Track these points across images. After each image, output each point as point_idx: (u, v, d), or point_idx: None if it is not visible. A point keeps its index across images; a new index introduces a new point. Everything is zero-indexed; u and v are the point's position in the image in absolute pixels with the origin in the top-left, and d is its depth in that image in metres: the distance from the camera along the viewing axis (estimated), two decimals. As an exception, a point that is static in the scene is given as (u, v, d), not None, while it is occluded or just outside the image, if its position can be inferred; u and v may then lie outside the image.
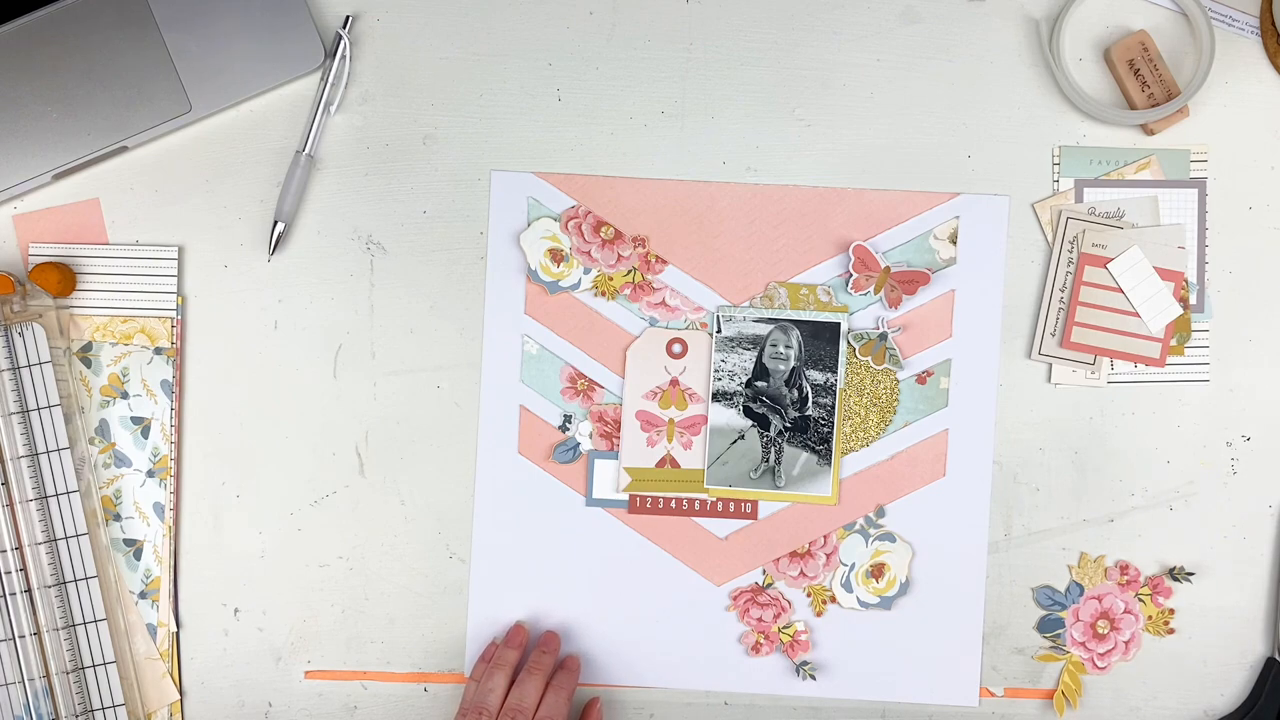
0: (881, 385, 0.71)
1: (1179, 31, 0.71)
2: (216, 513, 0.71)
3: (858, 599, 0.71)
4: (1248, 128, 0.71)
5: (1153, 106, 0.70)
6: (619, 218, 0.71)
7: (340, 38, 0.70)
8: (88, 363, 0.70)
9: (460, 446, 0.71)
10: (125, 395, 0.70)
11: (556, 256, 0.71)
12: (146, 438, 0.70)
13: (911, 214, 0.71)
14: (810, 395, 0.70)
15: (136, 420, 0.70)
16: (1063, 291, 0.71)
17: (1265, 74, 0.71)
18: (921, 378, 0.71)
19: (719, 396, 0.71)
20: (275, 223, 0.70)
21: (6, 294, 0.67)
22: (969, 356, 0.71)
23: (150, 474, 0.70)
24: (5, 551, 0.68)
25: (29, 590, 0.68)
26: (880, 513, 0.71)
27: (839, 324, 0.70)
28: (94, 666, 0.69)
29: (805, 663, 0.71)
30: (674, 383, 0.71)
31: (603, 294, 0.71)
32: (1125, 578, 0.71)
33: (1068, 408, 0.71)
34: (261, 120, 0.71)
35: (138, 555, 0.70)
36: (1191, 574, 0.71)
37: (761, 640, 0.71)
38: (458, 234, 0.71)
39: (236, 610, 0.71)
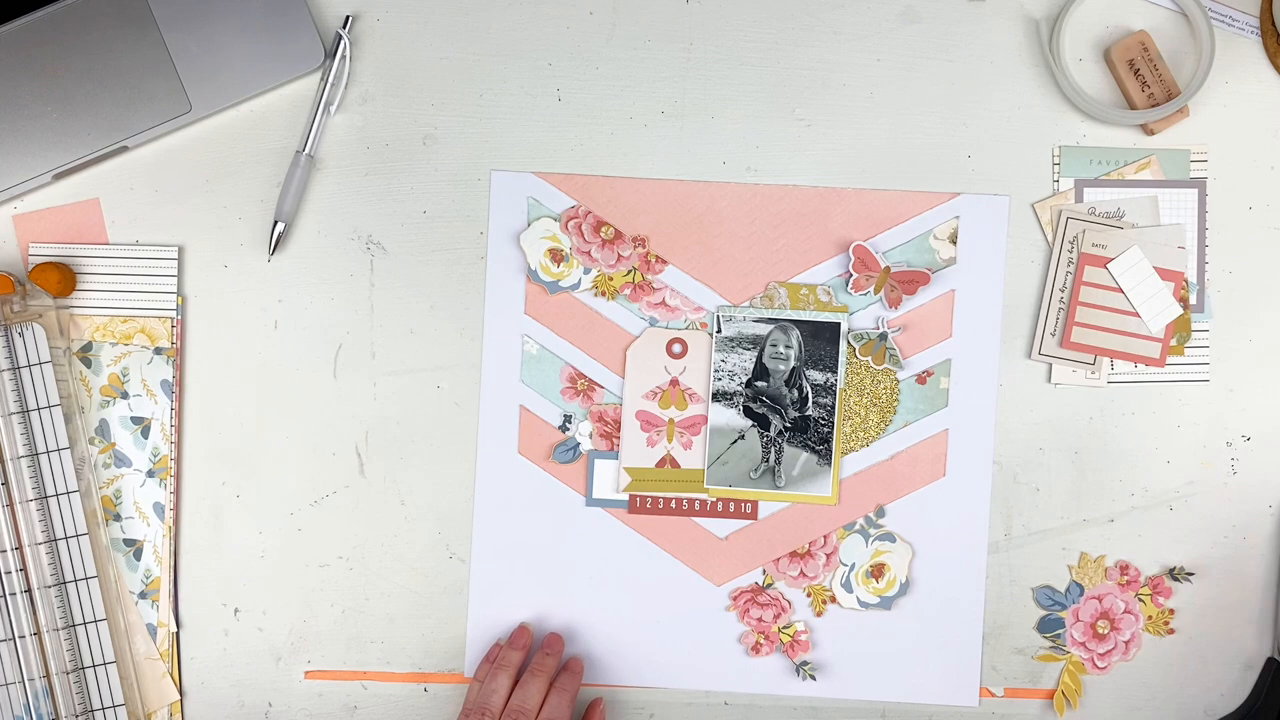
0: (881, 385, 0.71)
1: (1179, 31, 0.71)
2: (216, 513, 0.71)
3: (858, 599, 0.71)
4: (1248, 128, 0.71)
5: (1153, 106, 0.69)
6: (619, 218, 0.71)
7: (340, 38, 0.70)
8: (88, 363, 0.70)
9: (460, 446, 0.71)
10: (125, 395, 0.70)
11: (556, 256, 0.71)
12: (146, 438, 0.70)
13: (911, 214, 0.71)
14: (810, 395, 0.70)
15: (136, 420, 0.70)
16: (1063, 291, 0.71)
17: (1265, 74, 0.71)
18: (921, 378, 0.71)
19: (719, 396, 0.71)
20: (275, 223, 0.70)
21: (6, 294, 0.67)
22: (969, 356, 0.71)
23: (150, 474, 0.70)
24: (5, 551, 0.68)
25: (29, 590, 0.68)
26: (880, 513, 0.71)
27: (839, 324, 0.70)
28: (94, 666, 0.69)
29: (805, 663, 0.71)
30: (674, 383, 0.71)
31: (603, 294, 0.71)
32: (1125, 578, 0.71)
33: (1068, 408, 0.71)
34: (261, 120, 0.71)
35: (138, 555, 0.70)
36: (1191, 574, 0.71)
37: (761, 640, 0.71)
38: (458, 234, 0.71)
39: (236, 610, 0.71)
